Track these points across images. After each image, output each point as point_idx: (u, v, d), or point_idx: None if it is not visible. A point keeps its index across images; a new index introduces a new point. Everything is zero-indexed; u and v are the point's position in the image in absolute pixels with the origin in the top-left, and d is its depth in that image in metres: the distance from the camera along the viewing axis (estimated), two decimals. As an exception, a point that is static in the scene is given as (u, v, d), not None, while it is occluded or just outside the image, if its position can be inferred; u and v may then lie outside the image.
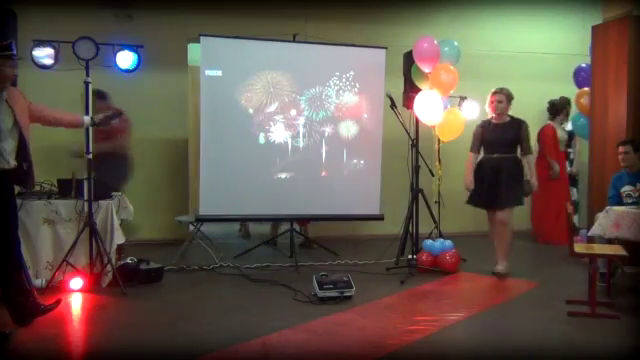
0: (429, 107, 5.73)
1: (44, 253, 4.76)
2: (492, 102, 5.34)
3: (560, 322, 4.05)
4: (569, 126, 7.34)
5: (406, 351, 3.49)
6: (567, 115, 7.40)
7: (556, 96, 7.43)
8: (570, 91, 7.25)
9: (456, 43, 5.99)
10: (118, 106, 5.05)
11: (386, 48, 6.24)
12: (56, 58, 4.71)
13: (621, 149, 5.09)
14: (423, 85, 5.88)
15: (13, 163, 3.81)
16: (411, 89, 6.02)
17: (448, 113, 5.99)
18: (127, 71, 5.02)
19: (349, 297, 4.52)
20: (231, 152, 5.88)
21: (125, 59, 4.98)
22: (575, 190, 7.37)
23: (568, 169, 7.36)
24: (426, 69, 5.76)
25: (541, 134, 7.14)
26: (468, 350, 3.59)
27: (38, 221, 4.75)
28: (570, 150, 7.39)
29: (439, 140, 6.26)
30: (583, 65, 6.74)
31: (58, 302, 4.07)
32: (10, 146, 3.78)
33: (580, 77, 6.79)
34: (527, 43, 7.85)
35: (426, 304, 4.49)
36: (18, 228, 4.01)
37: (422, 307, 4.38)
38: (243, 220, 7.18)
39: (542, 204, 7.12)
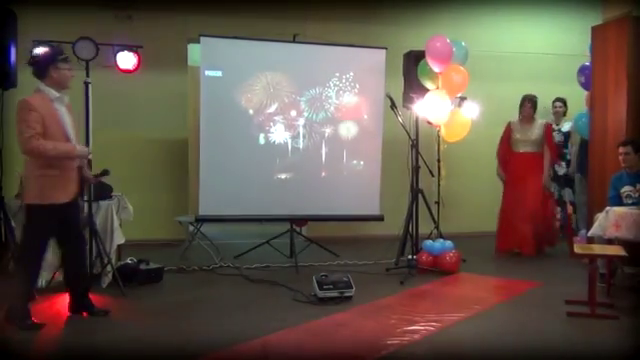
0: (438, 107, 5.71)
1: (44, 253, 4.75)
2: None
3: (560, 322, 4.05)
4: (566, 127, 7.31)
5: (406, 351, 3.49)
6: (562, 115, 7.38)
7: (556, 96, 7.44)
8: (571, 91, 7.24)
9: (464, 44, 5.97)
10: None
11: (386, 48, 6.24)
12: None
13: (621, 150, 5.08)
14: (429, 84, 5.87)
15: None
16: (411, 89, 6.02)
17: (453, 114, 5.98)
18: (127, 71, 5.02)
19: (349, 297, 4.52)
20: (231, 153, 5.88)
21: (125, 59, 4.98)
22: (570, 191, 7.30)
23: (564, 170, 7.35)
24: (437, 69, 5.74)
25: None
26: (468, 350, 3.59)
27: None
28: (566, 151, 7.36)
29: (442, 140, 6.22)
30: (587, 64, 6.69)
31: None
32: None
33: (585, 75, 6.71)
34: (527, 43, 7.85)
35: (426, 304, 4.49)
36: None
37: (422, 307, 4.38)
38: (243, 220, 7.16)
39: (514, 207, 6.41)
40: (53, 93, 3.90)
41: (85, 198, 4.76)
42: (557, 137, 7.23)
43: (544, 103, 7.49)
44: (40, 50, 4.19)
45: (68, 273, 4.19)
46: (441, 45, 5.70)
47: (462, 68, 5.82)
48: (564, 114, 7.35)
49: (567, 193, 7.30)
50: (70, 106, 4.09)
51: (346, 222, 6.94)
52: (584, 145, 6.79)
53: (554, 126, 7.33)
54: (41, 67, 3.90)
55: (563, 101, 7.33)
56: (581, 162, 6.89)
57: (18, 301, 3.86)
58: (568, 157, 7.28)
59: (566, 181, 7.30)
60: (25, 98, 3.82)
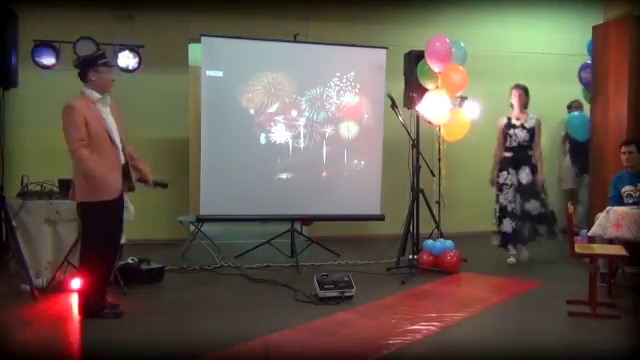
0: (437, 107, 5.72)
1: (45, 253, 4.76)
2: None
3: (561, 322, 4.05)
4: (531, 122, 5.76)
5: (407, 351, 3.49)
6: (524, 107, 7.25)
7: (556, 96, 7.43)
8: (574, 91, 7.23)
9: (463, 44, 5.97)
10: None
11: (387, 48, 6.25)
12: (57, 58, 4.73)
13: (625, 149, 5.07)
14: (429, 85, 5.87)
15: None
16: (412, 89, 6.02)
17: (453, 113, 5.98)
18: (128, 71, 5.03)
19: (350, 297, 4.51)
20: (232, 152, 5.89)
21: (126, 59, 4.99)
22: (538, 204, 5.79)
23: (529, 177, 5.79)
24: (436, 68, 5.75)
25: None
26: (469, 350, 3.59)
27: (39, 221, 4.75)
28: (531, 153, 5.83)
29: (442, 140, 6.22)
30: (589, 62, 6.67)
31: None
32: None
33: (586, 73, 6.71)
34: (528, 43, 7.85)
35: (427, 304, 4.49)
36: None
37: (423, 307, 4.37)
38: (244, 220, 7.15)
39: None
40: (95, 95, 3.99)
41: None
42: (520, 135, 5.79)
43: (546, 104, 7.48)
44: (83, 52, 4.26)
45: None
46: (440, 45, 5.70)
47: (461, 68, 5.83)
48: (525, 105, 5.86)
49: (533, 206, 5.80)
50: (116, 107, 4.17)
51: (347, 222, 6.95)
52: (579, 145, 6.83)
53: (514, 121, 5.83)
54: (82, 70, 4.01)
55: (524, 89, 5.86)
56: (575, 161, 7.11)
57: (89, 295, 4.01)
58: (534, 161, 5.80)
59: (530, 192, 5.77)
60: (69, 102, 3.93)
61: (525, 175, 5.78)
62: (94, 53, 4.22)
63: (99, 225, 4.01)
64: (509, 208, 5.81)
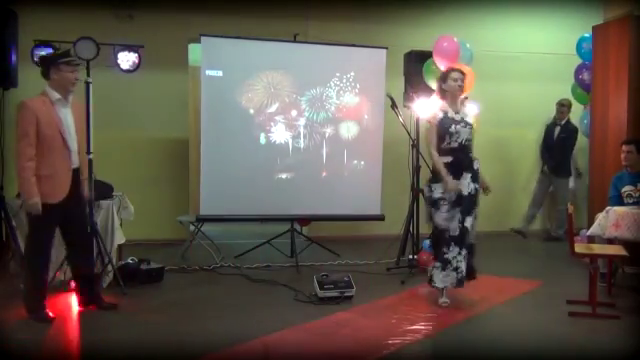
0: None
1: (45, 253, 4.75)
2: None
3: (561, 322, 4.05)
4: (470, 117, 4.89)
5: (407, 351, 3.50)
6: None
7: (557, 97, 7.43)
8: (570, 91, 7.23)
9: (469, 45, 5.96)
10: None
11: (387, 48, 6.24)
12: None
13: (625, 148, 5.09)
14: (435, 84, 5.86)
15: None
16: (412, 89, 6.01)
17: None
18: (128, 71, 5.02)
19: (350, 297, 4.52)
20: (232, 152, 5.89)
21: (126, 59, 4.99)
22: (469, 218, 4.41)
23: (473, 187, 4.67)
24: (444, 68, 5.73)
25: None
26: (469, 350, 3.59)
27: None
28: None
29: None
30: (587, 62, 6.67)
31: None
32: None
33: (581, 74, 6.72)
34: (528, 43, 7.83)
35: (427, 304, 4.49)
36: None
37: (423, 307, 4.38)
38: (244, 220, 7.15)
39: None
40: (54, 95, 3.94)
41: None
42: (464, 133, 4.44)
43: (546, 104, 7.48)
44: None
45: (74, 270, 4.30)
46: (448, 44, 5.69)
47: (468, 68, 5.82)
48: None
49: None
50: (79, 106, 4.16)
51: (347, 222, 6.95)
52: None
53: (452, 114, 4.48)
54: (44, 68, 3.97)
55: (462, 73, 4.61)
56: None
57: (29, 295, 4.01)
58: (476, 165, 4.47)
59: (473, 204, 4.44)
60: (24, 100, 3.88)
61: (467, 184, 4.38)
62: (56, 52, 4.19)
63: (43, 227, 3.96)
64: (452, 232, 4.40)
